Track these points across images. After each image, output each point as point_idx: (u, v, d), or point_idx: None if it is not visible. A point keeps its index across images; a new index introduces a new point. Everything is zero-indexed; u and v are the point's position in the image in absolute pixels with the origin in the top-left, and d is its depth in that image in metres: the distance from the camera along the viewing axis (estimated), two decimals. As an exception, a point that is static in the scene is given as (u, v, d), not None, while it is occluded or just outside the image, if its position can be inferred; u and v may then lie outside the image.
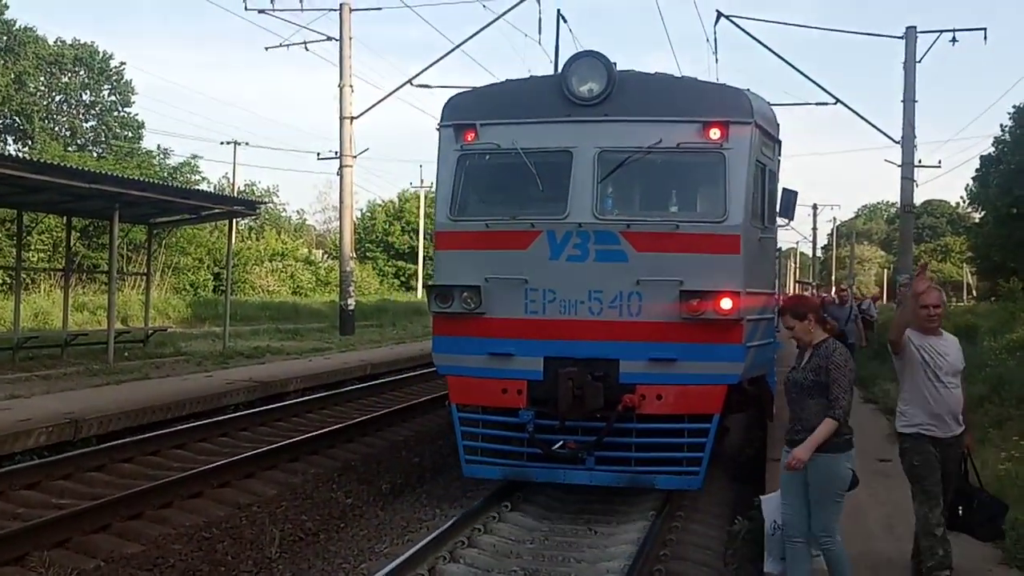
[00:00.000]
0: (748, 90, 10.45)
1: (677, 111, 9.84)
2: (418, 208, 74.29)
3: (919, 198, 36.85)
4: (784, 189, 11.14)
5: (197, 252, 46.05)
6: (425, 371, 22.62)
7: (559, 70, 10.34)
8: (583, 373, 9.44)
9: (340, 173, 30.94)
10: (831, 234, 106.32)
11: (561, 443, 9.57)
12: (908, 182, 28.17)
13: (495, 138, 10.18)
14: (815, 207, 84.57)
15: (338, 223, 34.90)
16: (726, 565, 8.63)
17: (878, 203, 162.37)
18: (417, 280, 72.66)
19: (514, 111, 10.19)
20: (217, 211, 22.72)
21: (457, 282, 10.01)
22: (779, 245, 12.71)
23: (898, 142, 27.96)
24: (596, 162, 9.80)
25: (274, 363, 21.11)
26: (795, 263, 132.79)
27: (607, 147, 9.84)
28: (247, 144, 60.23)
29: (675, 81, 10.49)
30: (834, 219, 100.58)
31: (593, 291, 9.63)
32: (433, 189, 65.07)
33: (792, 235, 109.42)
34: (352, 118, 30.62)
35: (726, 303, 9.42)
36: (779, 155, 11.22)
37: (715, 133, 9.74)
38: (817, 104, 28.03)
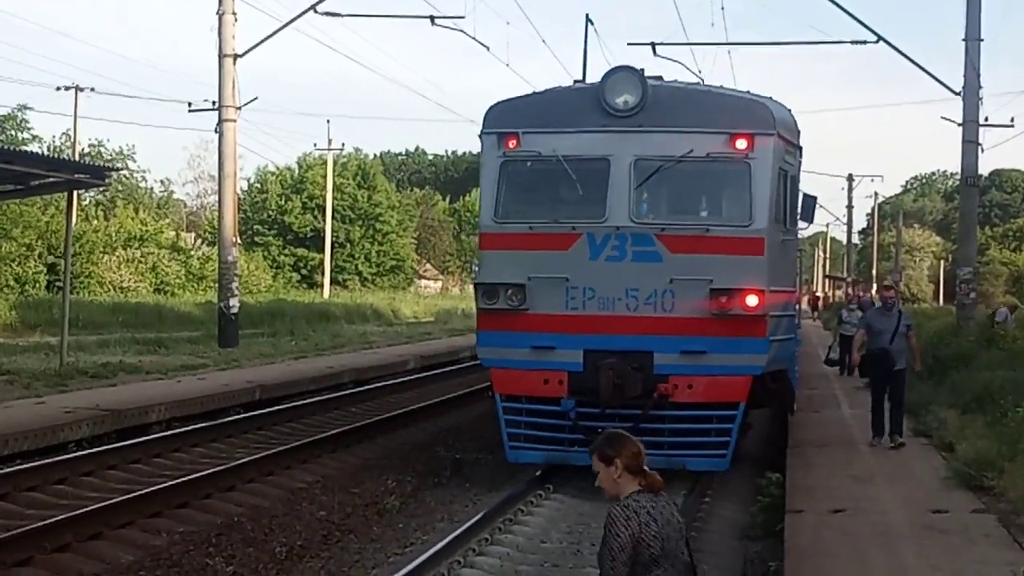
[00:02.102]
0: (771, 98, 14.58)
1: (707, 123, 13.72)
2: (324, 178, 73.98)
3: (985, 167, 37.40)
4: (804, 195, 15.36)
5: (25, 236, 45.45)
6: (338, 393, 22.56)
7: (585, 74, 15.33)
8: (623, 364, 13.19)
9: (219, 130, 30.70)
10: (871, 214, 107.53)
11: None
12: (971, 146, 28.57)
13: (536, 146, 14.05)
14: (850, 179, 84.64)
15: (216, 197, 34.61)
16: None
17: (932, 174, 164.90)
18: (323, 274, 72.37)
19: (554, 120, 14.08)
20: (52, 180, 22.43)
21: (503, 280, 13.85)
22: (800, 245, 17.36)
23: (958, 93, 28.34)
24: (632, 169, 13.63)
25: (130, 385, 20.91)
26: (824, 252, 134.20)
27: (642, 155, 13.65)
28: (93, 90, 59.16)
29: (705, 93, 14.78)
30: (875, 195, 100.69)
31: (630, 289, 13.50)
32: (344, 152, 65.49)
33: (821, 216, 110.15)
34: (236, 56, 30.40)
35: (752, 300, 13.31)
36: (800, 160, 15.22)
37: (741, 143, 13.56)
38: (853, 43, 28.42)
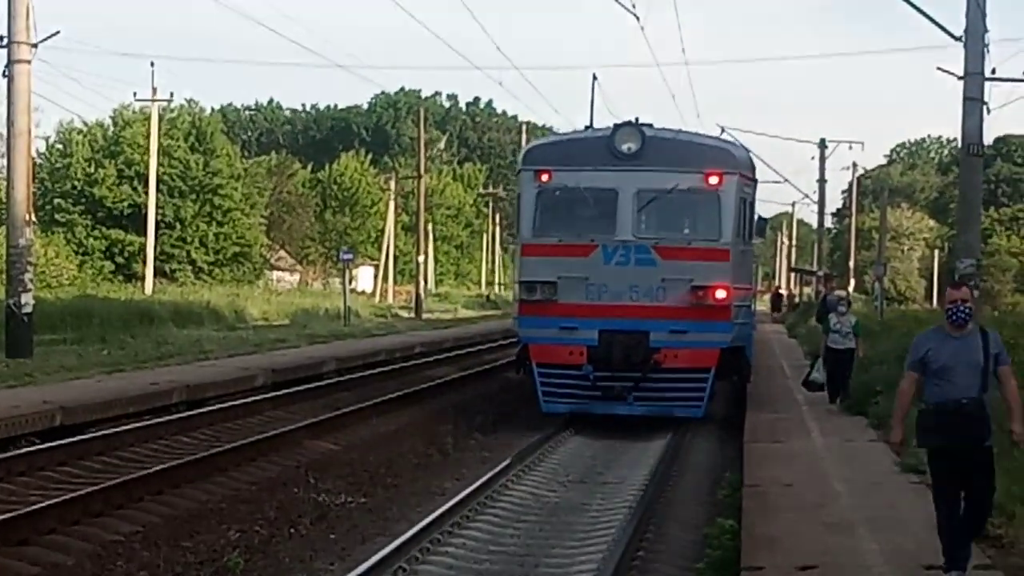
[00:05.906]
0: (734, 142, 26.62)
1: (688, 164, 23.50)
2: (147, 138, 73.18)
3: (991, 132, 37.75)
4: (759, 217, 26.56)
5: None
6: (165, 418, 22.32)
7: (592, 121, 27.52)
8: (627, 340, 22.79)
9: (9, 73, 30.42)
10: (848, 190, 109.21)
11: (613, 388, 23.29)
12: (974, 104, 28.98)
13: (563, 180, 23.88)
14: (823, 145, 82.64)
15: (3, 161, 34.10)
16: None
17: (923, 141, 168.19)
18: (145, 263, 71.48)
19: (576, 160, 24.08)
20: None
21: (539, 279, 23.52)
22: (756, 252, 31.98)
23: (959, 39, 28.78)
24: (635, 198, 23.33)
25: None
26: (789, 239, 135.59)
27: (642, 188, 23.36)
28: None
29: (686, 142, 24.62)
30: (853, 166, 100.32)
31: (632, 285, 23.09)
32: (174, 105, 66.32)
33: (786, 193, 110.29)
34: (31, -23, 30.02)
35: (720, 294, 22.95)
36: (755, 188, 25.99)
37: (713, 180, 23.26)
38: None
